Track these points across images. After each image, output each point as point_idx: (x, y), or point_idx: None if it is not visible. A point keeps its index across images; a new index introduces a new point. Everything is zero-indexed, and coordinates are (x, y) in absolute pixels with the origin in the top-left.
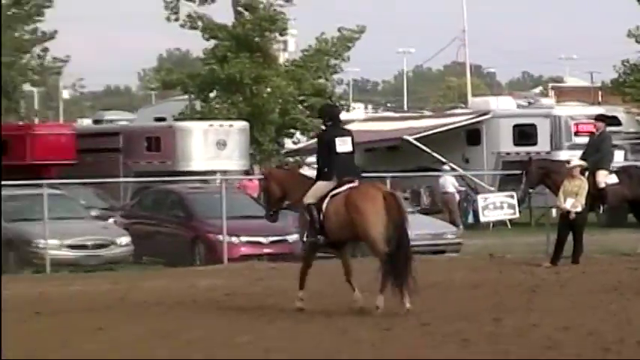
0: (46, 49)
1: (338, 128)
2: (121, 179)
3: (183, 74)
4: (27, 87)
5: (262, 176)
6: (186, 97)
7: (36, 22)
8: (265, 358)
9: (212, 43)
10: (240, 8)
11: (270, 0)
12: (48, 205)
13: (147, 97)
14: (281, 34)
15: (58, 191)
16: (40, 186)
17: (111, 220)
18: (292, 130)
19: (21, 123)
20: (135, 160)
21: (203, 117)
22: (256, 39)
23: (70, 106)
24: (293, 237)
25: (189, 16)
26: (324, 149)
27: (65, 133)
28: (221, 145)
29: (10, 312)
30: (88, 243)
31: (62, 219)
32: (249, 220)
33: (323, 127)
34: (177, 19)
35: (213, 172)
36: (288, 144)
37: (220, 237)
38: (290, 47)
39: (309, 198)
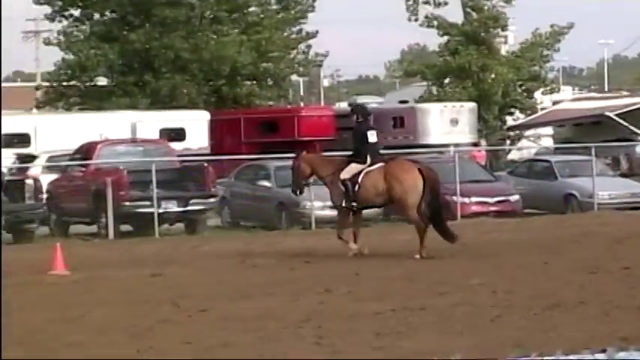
0: (309, 46)
1: (368, 123)
2: None
3: (422, 65)
4: (294, 77)
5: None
6: (424, 83)
7: (301, 24)
8: (493, 297)
9: (445, 38)
10: (468, 9)
11: (494, 2)
12: None
13: (392, 84)
14: (502, 30)
15: None
16: None
17: None
18: (512, 109)
19: (289, 107)
20: (384, 136)
21: (439, 99)
22: (482, 34)
23: (329, 92)
24: (515, 197)
25: (426, 17)
26: (360, 139)
27: (326, 115)
28: (454, 122)
29: (284, 260)
30: None
31: None
32: (478, 183)
33: (356, 123)
34: (416, 20)
35: (448, 145)
36: (509, 121)
37: (454, 198)
38: (510, 41)
39: (345, 174)
